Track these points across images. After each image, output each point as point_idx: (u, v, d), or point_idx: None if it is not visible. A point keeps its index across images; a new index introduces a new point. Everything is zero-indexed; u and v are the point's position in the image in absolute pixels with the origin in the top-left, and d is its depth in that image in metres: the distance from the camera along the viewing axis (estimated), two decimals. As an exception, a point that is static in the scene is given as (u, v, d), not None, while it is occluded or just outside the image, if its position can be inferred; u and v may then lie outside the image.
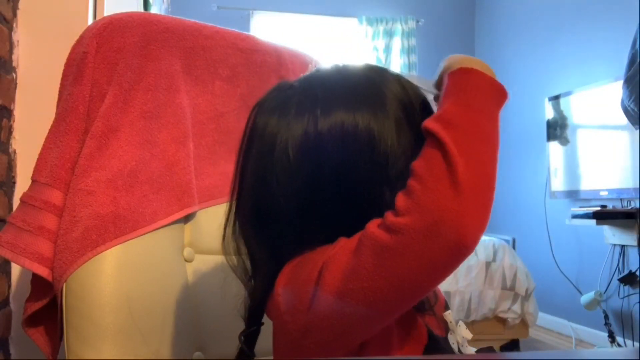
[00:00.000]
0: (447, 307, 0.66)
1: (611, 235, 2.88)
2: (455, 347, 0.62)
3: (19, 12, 1.22)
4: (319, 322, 0.53)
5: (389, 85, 0.60)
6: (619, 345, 2.76)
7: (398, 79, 0.62)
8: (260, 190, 0.59)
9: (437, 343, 0.59)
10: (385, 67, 0.66)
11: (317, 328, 0.53)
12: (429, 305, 0.60)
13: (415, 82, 0.63)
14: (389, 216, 0.49)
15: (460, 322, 0.66)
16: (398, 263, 0.48)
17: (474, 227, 0.47)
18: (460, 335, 0.64)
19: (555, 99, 3.33)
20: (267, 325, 0.65)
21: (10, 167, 1.19)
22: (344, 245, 0.53)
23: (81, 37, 0.83)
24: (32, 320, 0.80)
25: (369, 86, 0.60)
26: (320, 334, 0.53)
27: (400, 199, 0.49)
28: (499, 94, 0.55)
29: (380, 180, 0.55)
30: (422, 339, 0.58)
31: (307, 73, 0.64)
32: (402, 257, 0.48)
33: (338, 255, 0.52)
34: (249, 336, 0.64)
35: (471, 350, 0.66)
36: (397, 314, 0.53)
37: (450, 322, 0.64)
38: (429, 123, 0.51)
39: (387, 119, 0.57)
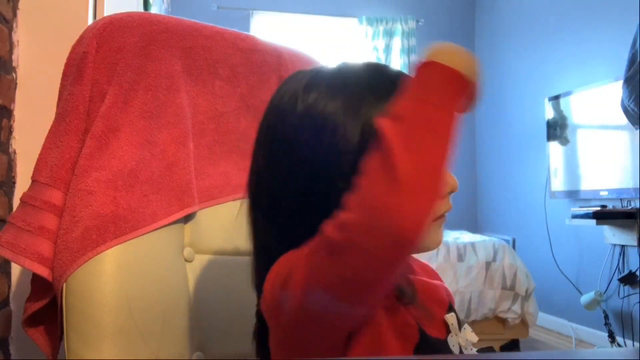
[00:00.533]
0: (450, 310, 0.65)
1: (611, 235, 2.88)
2: (456, 349, 0.62)
3: (19, 12, 1.22)
4: (296, 322, 0.54)
5: (378, 83, 0.61)
6: (619, 345, 2.76)
7: (398, 75, 0.63)
8: (266, 179, 0.62)
9: (430, 343, 0.59)
10: (387, 64, 0.66)
11: (295, 327, 0.55)
12: (408, 297, 0.59)
13: None
14: (338, 214, 0.50)
15: (466, 325, 0.66)
16: (346, 259, 0.49)
17: (412, 220, 0.47)
18: (465, 338, 0.64)
19: (555, 99, 3.33)
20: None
21: (10, 167, 1.19)
22: (307, 248, 0.54)
23: (81, 37, 0.83)
24: (32, 320, 0.80)
25: (367, 82, 0.61)
26: (300, 332, 0.55)
27: (348, 197, 0.50)
28: (458, 85, 0.53)
29: (339, 175, 0.56)
30: (413, 338, 0.58)
31: (318, 65, 0.67)
32: (349, 253, 0.49)
33: (303, 257, 0.54)
34: (259, 332, 0.65)
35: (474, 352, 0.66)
36: (361, 309, 0.53)
37: (452, 324, 0.63)
38: (380, 120, 0.52)
39: (355, 117, 0.58)
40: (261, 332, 0.64)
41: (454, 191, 0.63)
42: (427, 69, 0.54)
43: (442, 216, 0.63)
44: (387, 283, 0.52)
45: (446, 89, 0.53)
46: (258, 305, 0.64)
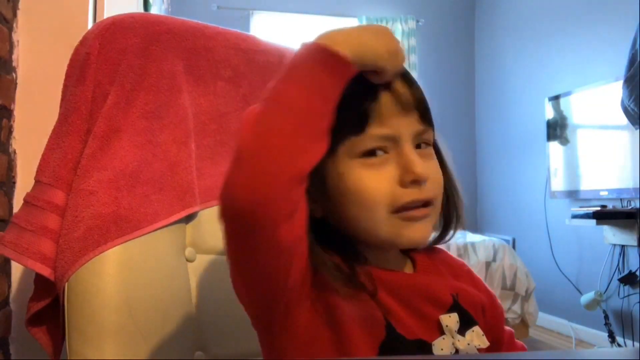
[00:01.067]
0: (452, 310, 0.62)
1: (611, 235, 2.88)
2: (446, 351, 0.58)
3: (19, 12, 1.22)
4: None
5: None
6: (619, 345, 2.76)
7: None
8: None
9: (399, 342, 0.56)
10: None
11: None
12: (367, 289, 0.58)
13: None
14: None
15: (476, 328, 0.61)
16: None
17: (244, 190, 0.48)
18: (467, 342, 0.60)
19: (555, 99, 3.34)
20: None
21: (10, 167, 1.19)
22: None
23: (84, 38, 0.83)
24: (35, 320, 0.80)
25: None
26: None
27: None
28: (333, 64, 0.51)
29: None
30: (379, 334, 0.56)
31: None
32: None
33: None
34: None
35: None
36: (253, 282, 0.56)
37: (447, 326, 0.60)
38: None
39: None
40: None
41: (420, 180, 0.58)
42: (298, 50, 0.54)
43: (407, 208, 0.58)
44: (241, 259, 0.54)
45: (310, 65, 0.52)
46: None
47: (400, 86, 0.60)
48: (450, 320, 0.60)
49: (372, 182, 0.58)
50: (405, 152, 0.58)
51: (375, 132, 0.58)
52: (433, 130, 0.63)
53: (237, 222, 0.50)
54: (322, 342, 0.56)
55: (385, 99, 0.59)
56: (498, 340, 0.70)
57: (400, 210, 0.58)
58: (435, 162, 0.63)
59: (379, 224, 0.59)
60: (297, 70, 0.53)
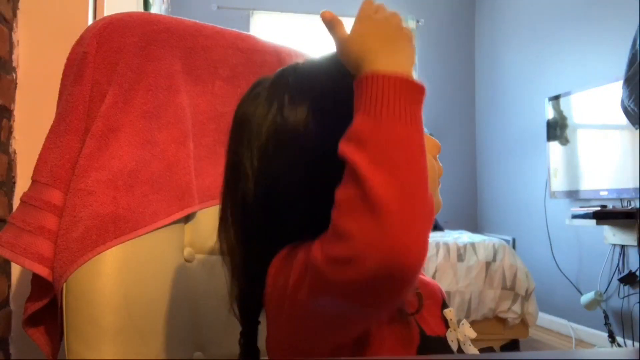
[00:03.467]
0: (445, 306, 0.66)
1: (611, 235, 2.88)
2: (454, 344, 0.62)
3: (19, 12, 1.22)
4: (302, 321, 0.53)
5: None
6: (619, 345, 2.76)
7: None
8: (233, 182, 0.61)
9: (430, 343, 0.59)
10: None
11: (300, 326, 0.54)
12: (406, 313, 0.58)
13: None
14: (323, 243, 0.47)
15: (464, 321, 0.66)
16: (330, 294, 0.47)
17: (403, 244, 0.43)
18: (463, 334, 0.64)
19: (555, 99, 3.33)
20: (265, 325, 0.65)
21: (10, 167, 1.19)
22: (301, 257, 0.52)
23: (81, 37, 0.83)
24: (32, 320, 0.80)
25: (329, 80, 0.60)
26: (305, 332, 0.54)
27: (329, 230, 0.47)
28: (412, 91, 0.49)
29: (337, 176, 0.49)
30: (414, 340, 0.58)
31: (284, 67, 0.65)
32: (333, 287, 0.46)
33: (295, 267, 0.52)
34: (248, 336, 0.64)
35: (474, 350, 0.66)
36: (373, 315, 0.52)
37: (450, 319, 0.64)
38: (341, 146, 0.48)
39: (338, 116, 0.53)
40: (250, 333, 0.64)
41: (440, 174, 0.64)
42: (375, 82, 0.49)
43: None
44: (397, 302, 0.51)
45: (403, 98, 0.48)
46: (247, 305, 0.63)
47: None
48: (452, 314, 0.64)
49: None
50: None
51: None
52: None
53: (391, 278, 0.44)
54: (359, 351, 0.56)
55: None
56: None
57: None
58: None
59: None
60: (390, 106, 0.47)
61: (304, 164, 0.57)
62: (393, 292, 0.46)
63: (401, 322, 0.58)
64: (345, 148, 0.47)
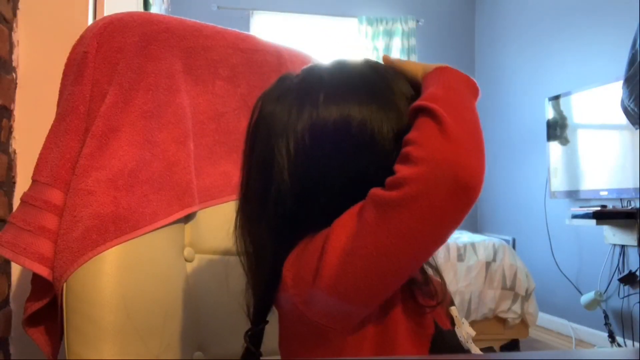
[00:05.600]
0: (452, 303, 0.69)
1: (611, 235, 2.88)
2: (462, 339, 0.65)
3: (19, 12, 1.22)
4: (324, 288, 0.54)
5: (395, 80, 0.63)
6: (619, 345, 2.76)
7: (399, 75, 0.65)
8: (265, 177, 0.61)
9: (444, 334, 0.61)
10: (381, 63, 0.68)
11: (321, 296, 0.54)
12: (437, 299, 0.61)
13: None
14: (389, 179, 0.52)
15: (464, 320, 0.68)
16: (400, 214, 0.51)
17: (470, 165, 0.50)
18: (465, 331, 0.67)
19: (555, 99, 3.33)
20: (271, 325, 0.65)
21: (10, 167, 1.19)
22: (348, 211, 0.55)
23: (82, 37, 0.83)
24: (32, 320, 0.80)
25: (372, 79, 0.62)
26: (323, 302, 0.54)
27: (397, 165, 0.52)
28: (473, 88, 0.59)
29: (378, 169, 0.56)
30: (429, 329, 0.60)
31: (308, 65, 0.67)
32: (404, 207, 0.50)
33: (342, 219, 0.55)
34: (255, 335, 0.65)
35: (476, 348, 0.67)
36: (402, 274, 0.54)
37: (456, 316, 0.66)
38: (415, 103, 0.55)
39: (391, 111, 0.60)
40: (259, 332, 0.65)
41: None
42: (445, 71, 0.59)
43: None
44: (440, 240, 0.53)
45: (466, 88, 0.58)
46: (259, 302, 0.64)
47: None
48: (456, 312, 0.67)
49: None
50: None
51: None
52: None
53: (460, 200, 0.51)
54: (375, 336, 0.58)
55: None
56: None
57: None
58: None
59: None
60: (455, 84, 0.58)
61: (346, 157, 0.59)
62: (457, 210, 0.51)
63: (414, 309, 0.59)
64: (420, 102, 0.55)
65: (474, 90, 0.59)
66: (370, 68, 0.64)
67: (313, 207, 0.59)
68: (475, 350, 0.66)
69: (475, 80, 0.61)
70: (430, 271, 0.67)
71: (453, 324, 0.66)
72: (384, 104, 0.60)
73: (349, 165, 0.58)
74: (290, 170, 0.59)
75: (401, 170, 0.51)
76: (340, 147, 0.58)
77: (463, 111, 0.54)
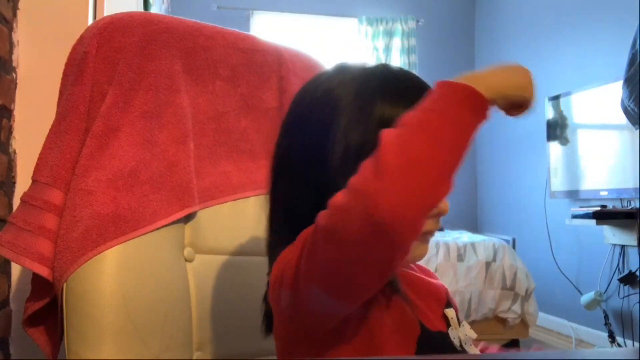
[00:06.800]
0: (448, 305, 0.68)
1: (611, 235, 2.88)
2: (456, 342, 0.64)
3: (19, 12, 1.22)
4: (289, 315, 0.58)
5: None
6: (619, 345, 2.76)
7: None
8: (312, 162, 0.63)
9: (431, 336, 0.61)
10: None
11: (288, 318, 0.59)
12: (397, 286, 0.61)
13: None
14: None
15: (464, 322, 0.68)
16: (331, 245, 0.51)
17: (388, 203, 0.47)
18: (464, 333, 0.66)
19: (555, 99, 3.33)
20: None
21: (10, 167, 1.19)
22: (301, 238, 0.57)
23: (82, 37, 0.83)
24: (32, 320, 0.80)
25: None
26: (292, 323, 0.59)
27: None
28: (474, 102, 0.54)
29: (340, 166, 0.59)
30: (414, 331, 0.60)
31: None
32: (332, 238, 0.51)
33: (305, 232, 0.57)
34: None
35: (475, 350, 0.67)
36: (346, 304, 0.55)
37: (452, 318, 0.66)
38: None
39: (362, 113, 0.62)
40: (269, 322, 0.67)
41: (443, 214, 0.65)
42: (441, 85, 0.55)
43: (425, 233, 0.65)
44: (371, 278, 0.53)
45: (459, 104, 0.53)
46: (265, 298, 0.66)
47: None
48: (452, 313, 0.67)
49: None
50: None
51: None
52: None
53: (376, 233, 0.48)
54: (357, 341, 0.59)
55: None
56: None
57: (422, 234, 0.65)
58: None
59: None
60: (438, 103, 0.53)
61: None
62: (376, 248, 0.49)
63: (397, 310, 0.60)
64: (387, 130, 0.52)
65: (477, 107, 0.54)
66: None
67: (302, 201, 0.63)
68: (474, 352, 0.66)
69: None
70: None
71: (449, 325, 0.65)
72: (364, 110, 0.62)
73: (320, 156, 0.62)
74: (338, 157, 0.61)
75: (336, 195, 0.51)
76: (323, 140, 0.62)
77: (420, 139, 0.50)
